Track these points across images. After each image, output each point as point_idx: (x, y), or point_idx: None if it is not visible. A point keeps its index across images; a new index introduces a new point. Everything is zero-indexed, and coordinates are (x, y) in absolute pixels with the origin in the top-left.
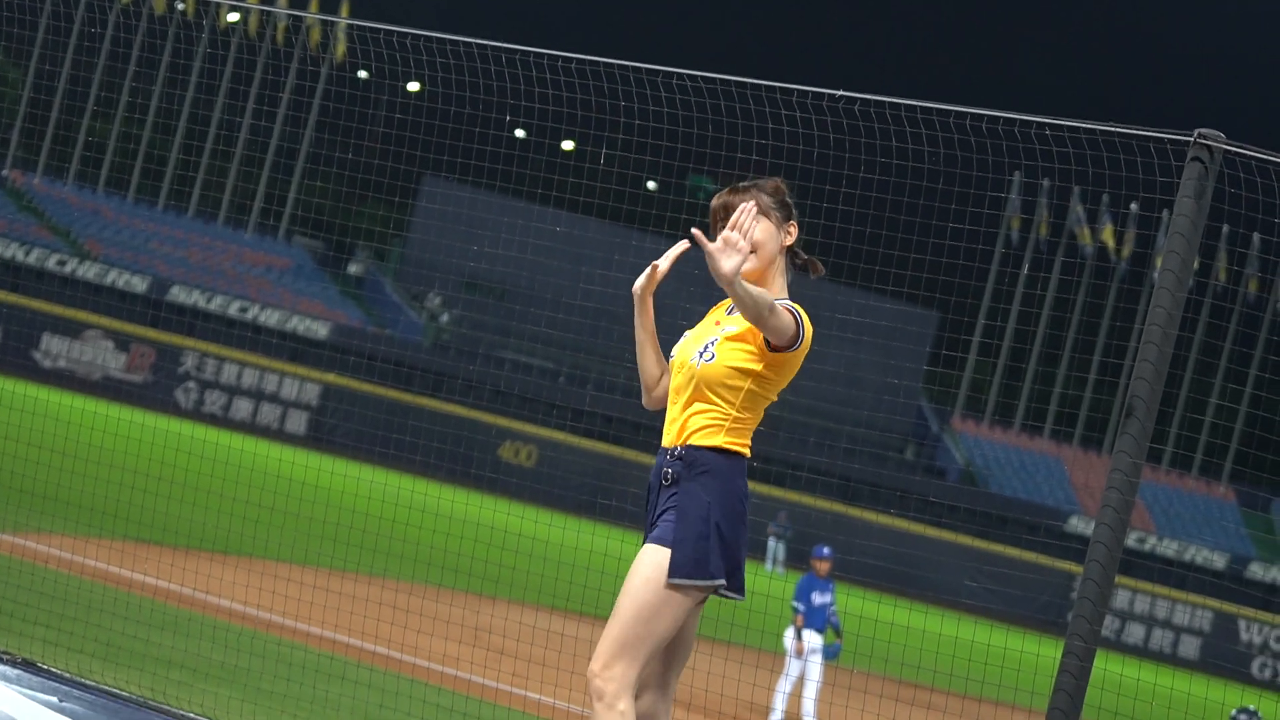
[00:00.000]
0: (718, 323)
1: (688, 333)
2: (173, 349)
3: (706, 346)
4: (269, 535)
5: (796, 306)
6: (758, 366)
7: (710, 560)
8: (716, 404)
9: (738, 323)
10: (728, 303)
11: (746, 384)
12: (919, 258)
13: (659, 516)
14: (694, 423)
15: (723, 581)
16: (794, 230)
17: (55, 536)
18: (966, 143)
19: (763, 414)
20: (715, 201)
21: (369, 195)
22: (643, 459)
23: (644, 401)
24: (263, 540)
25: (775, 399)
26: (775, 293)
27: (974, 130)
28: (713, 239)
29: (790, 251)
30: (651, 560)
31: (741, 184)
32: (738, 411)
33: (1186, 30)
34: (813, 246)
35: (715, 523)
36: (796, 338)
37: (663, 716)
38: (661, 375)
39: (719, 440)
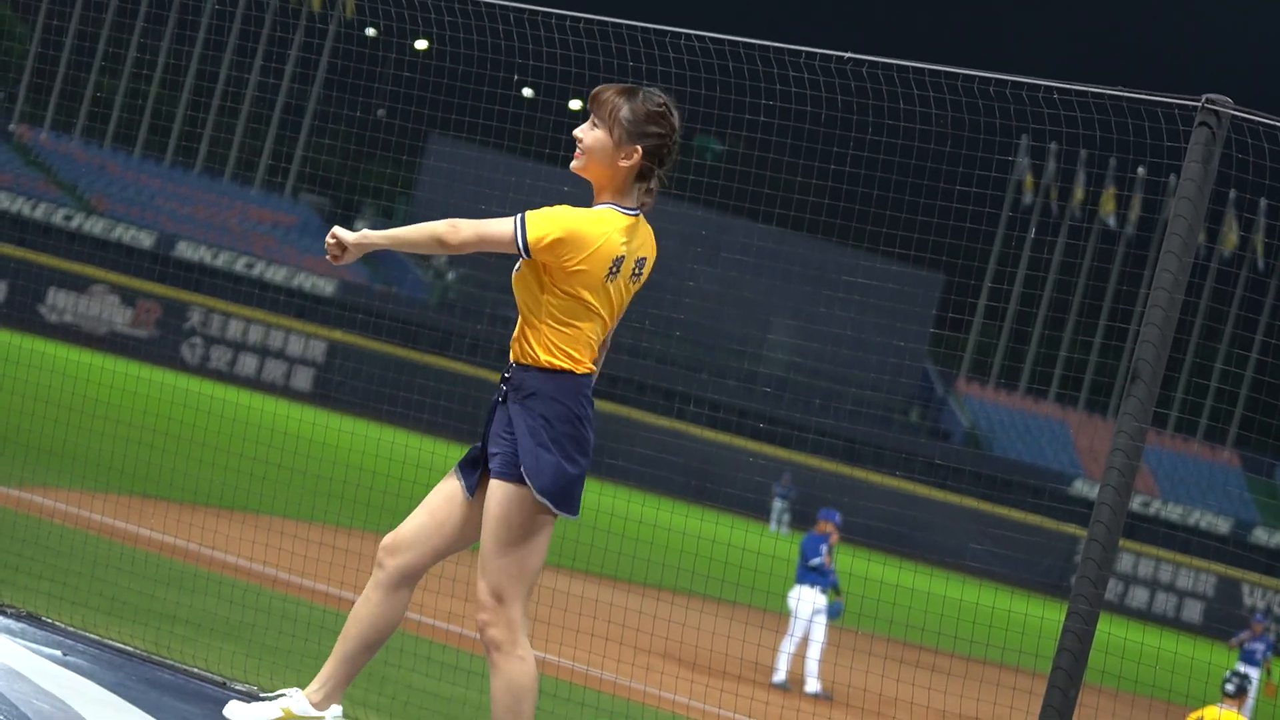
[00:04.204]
0: None
1: None
2: (178, 304)
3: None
4: (274, 491)
5: (543, 211)
6: (538, 275)
7: (554, 487)
8: (527, 317)
9: None
10: None
11: (543, 296)
12: (925, 220)
13: (494, 439)
14: (518, 340)
15: (549, 505)
16: (634, 156)
17: (60, 491)
18: (974, 106)
19: (590, 328)
20: (597, 88)
21: (375, 153)
22: (647, 418)
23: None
24: (268, 496)
25: (606, 319)
26: (598, 201)
27: (981, 94)
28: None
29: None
30: (498, 494)
31: (629, 85)
32: (540, 323)
33: None
34: (820, 208)
35: (542, 445)
36: (515, 241)
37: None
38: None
39: (539, 353)
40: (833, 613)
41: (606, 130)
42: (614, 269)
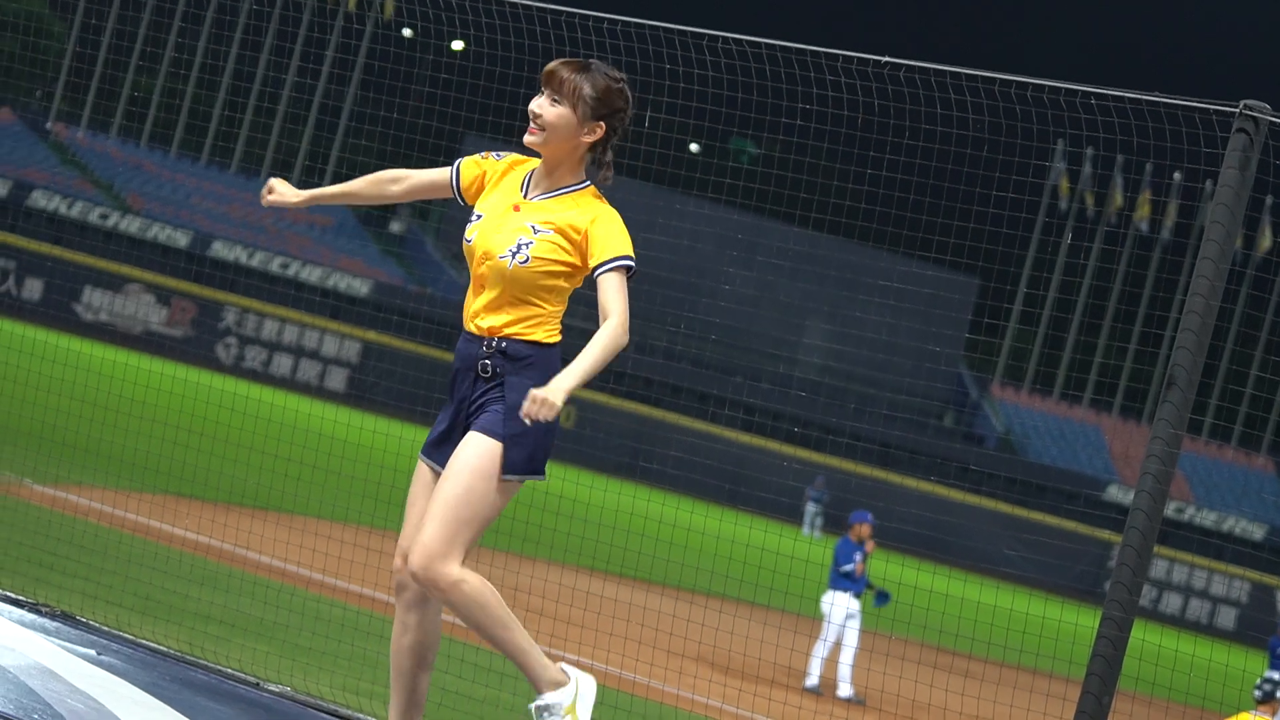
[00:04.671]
0: (516, 208)
1: (483, 214)
2: (214, 304)
3: (520, 247)
4: (308, 492)
5: (625, 231)
6: (574, 269)
7: (538, 455)
8: (532, 303)
9: (550, 215)
10: (523, 173)
11: (560, 282)
12: (961, 225)
13: (480, 406)
14: (510, 318)
15: (544, 476)
16: (598, 131)
17: (95, 490)
18: (1010, 110)
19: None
20: (551, 65)
21: (411, 154)
22: (681, 421)
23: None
24: (302, 497)
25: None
26: (568, 179)
27: (1017, 98)
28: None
29: (598, 149)
30: (483, 449)
31: (581, 61)
32: (553, 307)
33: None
34: (855, 211)
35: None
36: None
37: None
38: (393, 189)
39: (538, 335)
40: (881, 599)
41: (570, 107)
42: None
